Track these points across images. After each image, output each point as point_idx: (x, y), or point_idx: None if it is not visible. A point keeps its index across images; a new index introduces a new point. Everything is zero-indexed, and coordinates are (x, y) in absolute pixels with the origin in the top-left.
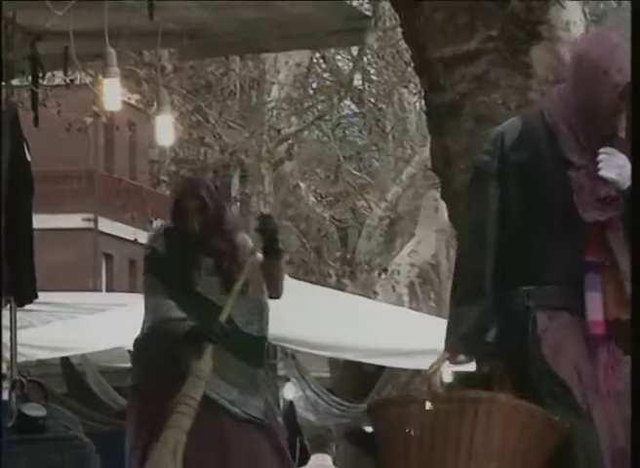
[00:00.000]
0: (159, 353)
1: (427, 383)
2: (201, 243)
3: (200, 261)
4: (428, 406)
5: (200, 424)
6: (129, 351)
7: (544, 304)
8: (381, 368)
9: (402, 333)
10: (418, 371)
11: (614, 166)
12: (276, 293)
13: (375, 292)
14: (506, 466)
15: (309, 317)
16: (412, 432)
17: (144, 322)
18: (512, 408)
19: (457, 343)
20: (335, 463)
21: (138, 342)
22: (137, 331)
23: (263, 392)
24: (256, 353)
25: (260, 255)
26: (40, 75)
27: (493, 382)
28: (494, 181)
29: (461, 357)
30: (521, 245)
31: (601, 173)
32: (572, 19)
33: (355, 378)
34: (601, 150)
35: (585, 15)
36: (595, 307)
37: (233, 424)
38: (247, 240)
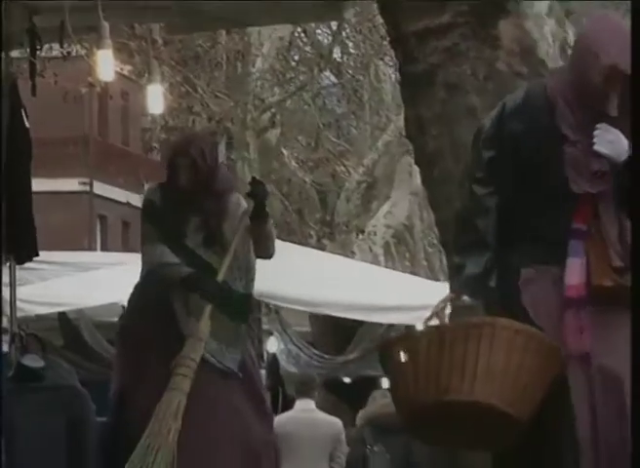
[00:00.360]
0: (152, 297)
1: (436, 318)
2: (191, 200)
3: (189, 218)
4: (403, 357)
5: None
6: (122, 306)
7: (531, 260)
8: (359, 322)
9: (378, 290)
10: (392, 326)
11: (607, 141)
12: (267, 254)
13: (352, 252)
14: (509, 386)
15: (292, 275)
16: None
17: (142, 270)
18: (513, 330)
19: (462, 286)
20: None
21: (135, 287)
22: (130, 288)
23: (243, 345)
24: (240, 308)
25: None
26: (38, 47)
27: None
28: (487, 144)
29: (465, 298)
30: (515, 206)
31: (595, 147)
32: None
33: (334, 333)
34: (597, 126)
35: None
36: (573, 271)
37: (210, 373)
38: (241, 200)
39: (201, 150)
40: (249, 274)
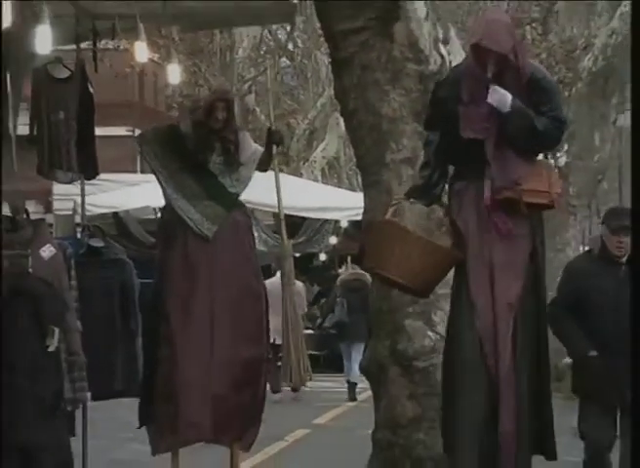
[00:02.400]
0: (173, 212)
1: (391, 212)
2: (218, 132)
3: (215, 145)
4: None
5: (175, 237)
6: (153, 208)
7: (461, 177)
8: (304, 218)
9: (316, 198)
10: (326, 220)
11: (496, 97)
12: (264, 170)
13: (301, 174)
14: (407, 268)
15: (263, 187)
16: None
17: (164, 193)
18: (417, 236)
19: (412, 192)
20: None
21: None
22: (156, 197)
23: (220, 223)
24: (226, 201)
25: (261, 149)
26: (98, 41)
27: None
28: (431, 102)
29: (413, 199)
30: (447, 142)
31: (488, 99)
32: (417, 6)
33: (289, 225)
34: (490, 86)
35: (426, 1)
36: (486, 187)
37: (195, 236)
38: (247, 135)
39: (232, 99)
40: (243, 185)
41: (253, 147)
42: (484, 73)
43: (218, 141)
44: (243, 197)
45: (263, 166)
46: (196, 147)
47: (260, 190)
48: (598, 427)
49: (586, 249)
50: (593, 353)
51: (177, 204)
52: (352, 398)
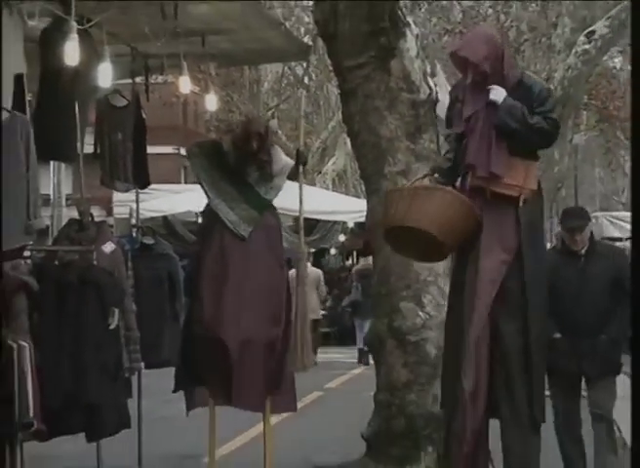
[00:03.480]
0: (212, 213)
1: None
2: (253, 153)
3: (251, 162)
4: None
5: (213, 235)
6: (195, 213)
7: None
8: (317, 220)
9: (327, 202)
10: (335, 222)
11: (495, 93)
12: (291, 179)
13: (315, 184)
14: (438, 221)
15: (283, 195)
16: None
17: (208, 198)
18: (448, 191)
19: (435, 169)
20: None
21: (205, 207)
22: (197, 203)
23: (255, 225)
24: (260, 205)
25: (291, 162)
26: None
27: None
28: (449, 105)
29: (435, 177)
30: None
31: (490, 96)
32: (410, 46)
33: (305, 226)
34: (489, 87)
35: (417, 42)
36: (464, 179)
37: (231, 235)
38: (278, 150)
39: (265, 131)
40: (275, 192)
41: (283, 160)
42: (465, 78)
43: (253, 161)
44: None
45: (291, 177)
46: (235, 163)
47: (281, 197)
48: (565, 397)
49: (553, 245)
50: (557, 335)
51: (217, 207)
52: (366, 362)
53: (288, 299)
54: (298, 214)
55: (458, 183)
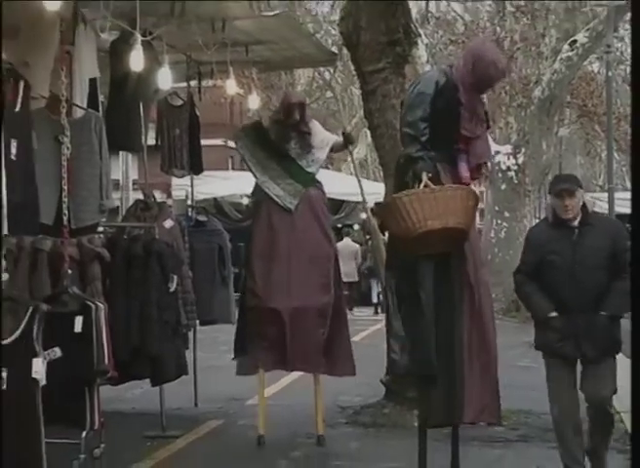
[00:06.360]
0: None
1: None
2: (293, 126)
3: (291, 135)
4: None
5: (262, 211)
6: (240, 195)
7: (441, 159)
8: (343, 200)
9: (351, 186)
10: (357, 202)
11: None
12: (337, 151)
13: (341, 170)
14: (460, 215)
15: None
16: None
17: (256, 177)
18: (461, 188)
19: (421, 170)
20: None
21: (255, 185)
22: (243, 186)
23: (299, 198)
24: (304, 179)
25: (333, 137)
26: (202, 80)
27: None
28: (428, 102)
29: (430, 175)
30: (436, 133)
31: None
32: (421, 54)
33: (334, 205)
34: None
35: (426, 50)
36: (462, 170)
37: (278, 208)
38: (316, 124)
39: (304, 101)
40: (318, 164)
41: (323, 133)
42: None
43: (294, 132)
44: None
45: (337, 151)
46: (276, 138)
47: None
48: (561, 378)
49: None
50: (553, 314)
51: (264, 185)
52: (380, 312)
53: (337, 268)
54: (327, 195)
55: (461, 170)
